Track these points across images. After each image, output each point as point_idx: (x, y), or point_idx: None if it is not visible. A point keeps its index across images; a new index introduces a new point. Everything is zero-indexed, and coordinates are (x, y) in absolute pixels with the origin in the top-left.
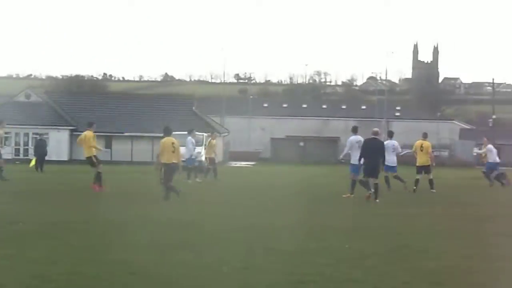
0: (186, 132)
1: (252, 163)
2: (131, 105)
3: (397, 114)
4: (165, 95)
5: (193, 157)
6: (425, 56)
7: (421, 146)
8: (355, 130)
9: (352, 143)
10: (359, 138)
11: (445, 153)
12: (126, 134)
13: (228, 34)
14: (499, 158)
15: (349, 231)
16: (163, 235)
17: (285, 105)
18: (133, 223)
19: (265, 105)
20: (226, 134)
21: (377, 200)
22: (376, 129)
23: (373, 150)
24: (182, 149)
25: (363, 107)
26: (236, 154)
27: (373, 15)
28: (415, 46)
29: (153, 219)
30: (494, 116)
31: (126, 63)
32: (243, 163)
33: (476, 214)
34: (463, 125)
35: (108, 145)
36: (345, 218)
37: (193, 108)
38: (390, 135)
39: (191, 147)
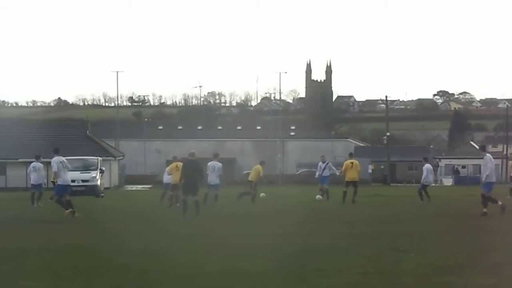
0: (80, 157)
1: (149, 186)
2: (25, 131)
3: (292, 133)
4: (58, 119)
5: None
6: (318, 75)
7: (352, 164)
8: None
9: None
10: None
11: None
12: (20, 160)
13: (120, 55)
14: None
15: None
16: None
17: (180, 127)
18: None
19: (160, 127)
20: (121, 157)
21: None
22: (192, 150)
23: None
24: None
25: (259, 127)
26: (132, 177)
27: (266, 33)
28: (308, 65)
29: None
30: (388, 133)
31: (18, 88)
32: (139, 187)
33: (372, 230)
34: (358, 143)
35: (3, 172)
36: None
37: (87, 132)
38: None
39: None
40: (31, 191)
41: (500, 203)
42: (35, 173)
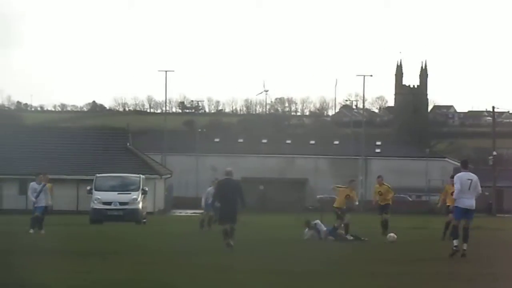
0: (119, 175)
1: (201, 211)
2: (51, 141)
3: (378, 150)
4: (93, 128)
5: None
6: (411, 79)
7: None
8: None
9: None
10: None
11: (436, 198)
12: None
13: (170, 53)
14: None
15: None
16: None
17: (240, 140)
18: None
19: (216, 140)
20: (169, 176)
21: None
22: (229, 168)
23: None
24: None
25: (336, 142)
26: (181, 200)
27: (347, 28)
28: (399, 67)
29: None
30: (495, 153)
31: (44, 89)
32: (189, 212)
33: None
34: (458, 164)
35: (23, 190)
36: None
37: (128, 144)
38: None
39: (29, 194)
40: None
41: (454, 245)
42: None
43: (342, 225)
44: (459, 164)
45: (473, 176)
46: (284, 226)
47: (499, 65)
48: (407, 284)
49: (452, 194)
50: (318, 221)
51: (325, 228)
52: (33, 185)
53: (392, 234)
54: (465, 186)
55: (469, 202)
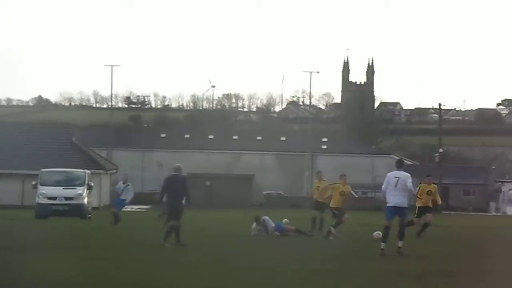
0: (64, 169)
1: (146, 206)
2: None
3: (324, 147)
4: (38, 123)
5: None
6: (358, 76)
7: (428, 191)
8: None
9: None
10: None
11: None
12: None
13: (116, 48)
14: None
15: None
16: None
17: (187, 136)
18: None
19: (163, 135)
20: (114, 171)
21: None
22: (178, 164)
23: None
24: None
25: (283, 138)
26: None
27: (295, 24)
28: (345, 64)
29: None
30: (441, 150)
31: None
32: (135, 207)
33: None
34: (405, 160)
35: None
36: None
37: (73, 139)
38: None
39: None
40: None
41: (381, 247)
42: None
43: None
44: (406, 161)
45: (402, 174)
46: (231, 222)
47: (445, 63)
48: (355, 282)
49: (427, 193)
50: (266, 217)
51: (273, 224)
52: None
53: (377, 232)
54: (392, 184)
55: (397, 199)
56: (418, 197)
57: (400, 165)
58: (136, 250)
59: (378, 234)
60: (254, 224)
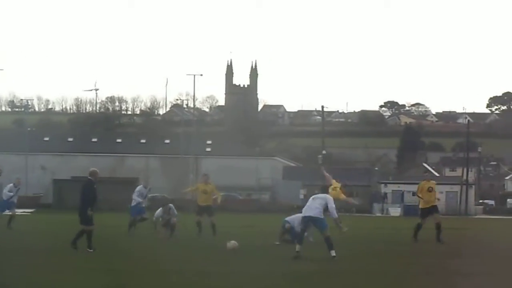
0: None
1: (30, 210)
2: None
3: (208, 149)
4: None
5: None
6: (241, 79)
7: (429, 187)
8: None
9: None
10: None
11: (266, 196)
12: None
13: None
14: None
15: None
16: None
17: (70, 139)
18: None
19: (46, 139)
20: None
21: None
22: (93, 169)
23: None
24: None
25: (167, 141)
26: None
27: (177, 27)
28: (229, 67)
29: None
30: (324, 152)
31: None
32: (19, 211)
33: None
34: (288, 162)
35: None
36: None
37: None
38: None
39: None
40: None
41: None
42: None
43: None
44: (289, 163)
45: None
46: (116, 225)
47: (328, 65)
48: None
49: (428, 190)
50: (171, 205)
51: (176, 213)
52: None
53: (232, 242)
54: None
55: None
56: (418, 196)
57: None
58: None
59: (233, 244)
60: (160, 210)
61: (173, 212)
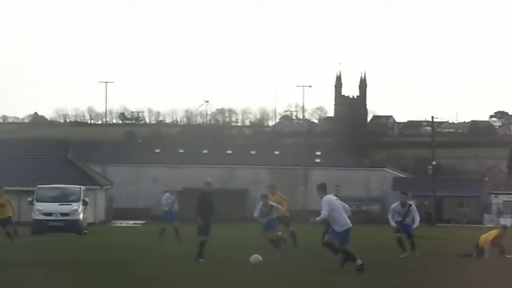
0: (60, 186)
1: (141, 221)
2: None
3: (318, 160)
4: (34, 139)
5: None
6: (350, 90)
7: None
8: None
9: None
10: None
11: (376, 207)
12: None
13: (110, 63)
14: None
15: None
16: None
17: (181, 151)
18: None
19: (157, 150)
20: (109, 186)
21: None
22: (206, 180)
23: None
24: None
25: (276, 152)
26: (122, 211)
27: (287, 40)
28: (338, 78)
29: None
30: (434, 162)
31: None
32: (130, 222)
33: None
34: (397, 173)
35: None
36: None
37: (68, 155)
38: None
39: None
40: None
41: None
42: None
43: None
44: (399, 174)
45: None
46: (227, 236)
47: (438, 75)
48: None
49: None
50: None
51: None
52: None
53: (255, 255)
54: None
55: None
56: None
57: (324, 189)
58: (122, 266)
59: (256, 258)
60: (261, 203)
61: (273, 209)
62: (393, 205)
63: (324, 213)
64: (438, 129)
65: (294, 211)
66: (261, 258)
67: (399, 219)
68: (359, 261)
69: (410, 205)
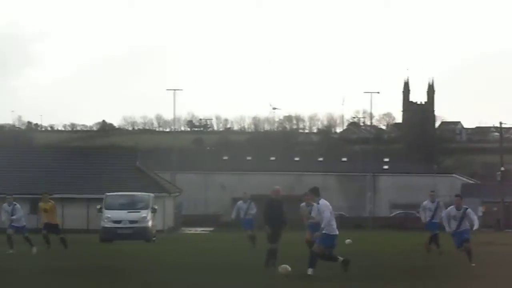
0: (128, 193)
1: (210, 229)
2: (61, 161)
3: (386, 167)
4: (102, 147)
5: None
6: (418, 96)
7: None
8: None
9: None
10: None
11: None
12: (55, 195)
13: (178, 71)
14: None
15: None
16: None
17: (249, 158)
18: None
19: (225, 157)
20: (178, 194)
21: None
22: (275, 187)
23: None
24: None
25: (344, 159)
26: (191, 218)
27: (354, 45)
28: (406, 84)
29: None
30: (502, 168)
31: (55, 108)
32: (199, 229)
33: None
34: (466, 180)
35: (34, 210)
36: None
37: (137, 163)
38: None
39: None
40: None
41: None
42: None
43: None
44: (468, 180)
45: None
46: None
47: (506, 80)
48: None
49: None
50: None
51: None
52: (4, 206)
53: (283, 266)
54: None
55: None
56: None
57: (318, 192)
58: (193, 272)
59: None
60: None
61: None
62: (448, 209)
63: (327, 214)
64: (506, 135)
65: (362, 218)
66: (289, 268)
67: (454, 225)
68: (340, 259)
69: (466, 208)
